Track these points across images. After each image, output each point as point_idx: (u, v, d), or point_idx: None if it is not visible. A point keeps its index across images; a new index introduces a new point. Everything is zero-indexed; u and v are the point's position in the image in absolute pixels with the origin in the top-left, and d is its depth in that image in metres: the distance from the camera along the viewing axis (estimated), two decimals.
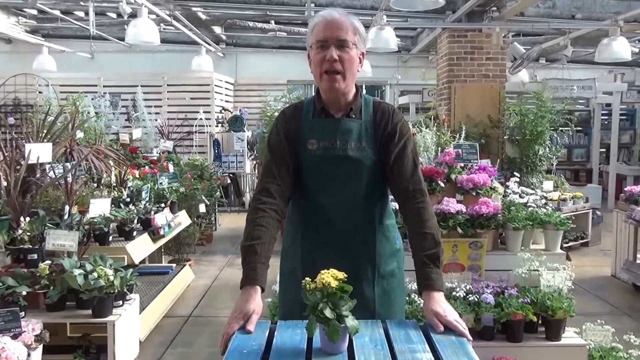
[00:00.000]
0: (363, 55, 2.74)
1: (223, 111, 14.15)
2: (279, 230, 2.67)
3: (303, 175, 2.74)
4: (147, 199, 6.90)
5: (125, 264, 5.24)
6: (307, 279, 2.09)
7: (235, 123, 13.28)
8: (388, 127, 2.73)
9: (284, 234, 2.93)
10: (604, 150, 15.60)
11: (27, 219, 4.96)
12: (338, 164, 2.68)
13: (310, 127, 2.74)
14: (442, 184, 5.11)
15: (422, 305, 4.48)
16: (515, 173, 6.52)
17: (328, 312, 1.99)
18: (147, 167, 9.00)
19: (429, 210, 2.71)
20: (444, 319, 2.32)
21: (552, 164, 10.00)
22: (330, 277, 2.04)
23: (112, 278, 4.55)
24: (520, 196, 5.55)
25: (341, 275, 2.06)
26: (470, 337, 2.27)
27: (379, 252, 2.77)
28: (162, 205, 7.08)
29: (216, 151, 13.11)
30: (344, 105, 2.75)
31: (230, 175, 13.04)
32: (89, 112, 10.20)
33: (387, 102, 2.90)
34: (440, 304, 2.40)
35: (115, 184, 6.93)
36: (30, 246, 4.90)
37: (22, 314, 4.31)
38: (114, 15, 13.07)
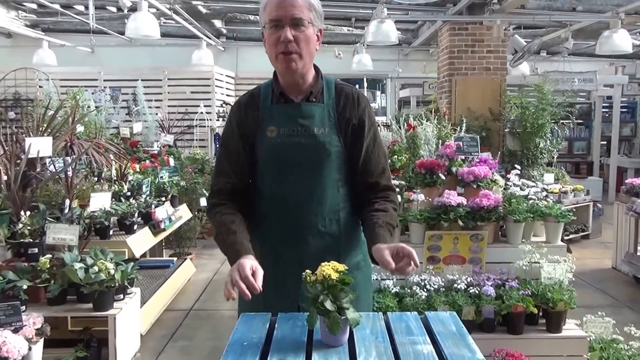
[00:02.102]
0: (321, 32, 2.62)
1: (224, 105, 14.13)
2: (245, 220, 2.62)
3: (262, 164, 2.63)
4: (148, 192, 6.90)
5: (126, 257, 5.25)
6: (308, 271, 2.08)
7: None
8: (353, 114, 2.63)
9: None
10: (605, 142, 15.58)
11: (28, 213, 4.97)
12: (299, 150, 2.56)
13: (269, 113, 2.62)
14: (443, 177, 5.10)
15: (422, 297, 4.51)
16: (516, 165, 6.51)
17: (328, 305, 1.99)
18: (147, 161, 9.00)
19: (395, 202, 2.67)
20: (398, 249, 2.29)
21: (553, 157, 10.00)
22: (331, 269, 2.03)
23: (112, 272, 4.56)
24: (521, 189, 5.54)
25: (342, 267, 2.06)
26: (417, 264, 2.25)
27: (343, 243, 2.64)
28: (163, 199, 7.09)
29: (217, 145, 13.09)
30: (303, 88, 2.63)
31: None
32: (89, 106, 10.19)
33: (350, 86, 2.75)
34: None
35: (115, 178, 6.93)
36: (31, 240, 4.91)
37: (23, 307, 4.32)
38: (114, 9, 13.05)
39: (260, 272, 2.26)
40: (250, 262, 2.28)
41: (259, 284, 2.21)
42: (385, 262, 2.26)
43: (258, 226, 2.66)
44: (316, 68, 2.69)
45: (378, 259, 2.34)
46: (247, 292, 2.18)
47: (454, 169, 5.21)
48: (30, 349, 3.84)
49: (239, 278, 2.21)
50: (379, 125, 2.87)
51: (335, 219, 2.61)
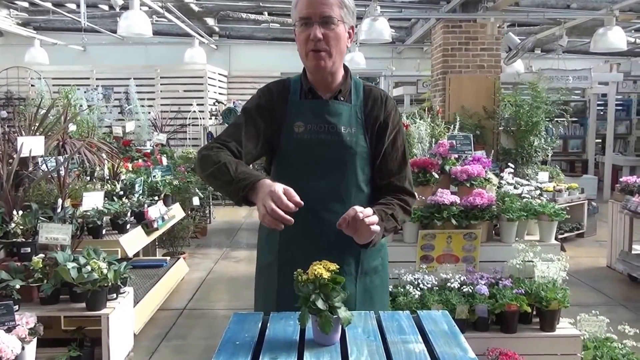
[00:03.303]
0: (353, 29, 2.59)
1: (216, 103, 14.13)
2: None
3: (286, 159, 2.62)
4: (141, 192, 6.89)
5: (119, 257, 5.24)
6: (300, 270, 2.08)
7: (229, 115, 13.20)
8: (380, 116, 2.61)
9: (260, 225, 2.62)
10: (600, 140, 15.58)
11: (20, 212, 4.95)
12: (325, 148, 2.55)
13: (297, 109, 2.61)
14: (436, 175, 5.09)
15: (415, 296, 4.50)
16: (510, 164, 6.50)
17: (320, 304, 1.99)
18: (140, 160, 8.99)
19: (407, 202, 2.63)
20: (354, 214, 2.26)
21: (548, 155, 10.00)
22: (322, 268, 2.03)
23: (105, 271, 4.54)
24: (514, 187, 5.54)
25: (333, 266, 2.05)
26: (370, 223, 2.26)
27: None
28: (156, 198, 7.08)
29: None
30: (332, 86, 2.61)
31: None
32: (81, 105, 10.17)
33: (379, 87, 2.76)
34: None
35: (108, 177, 6.92)
36: (24, 240, 4.90)
37: (16, 307, 4.29)
38: (105, 7, 13.03)
39: (291, 190, 2.20)
40: (280, 185, 2.21)
41: (295, 200, 2.18)
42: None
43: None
44: (345, 67, 2.66)
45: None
46: (288, 217, 2.15)
47: (447, 168, 5.21)
48: (23, 348, 3.83)
49: (275, 204, 2.15)
50: None
51: None
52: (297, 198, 2.18)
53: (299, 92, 2.65)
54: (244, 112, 2.68)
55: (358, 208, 2.27)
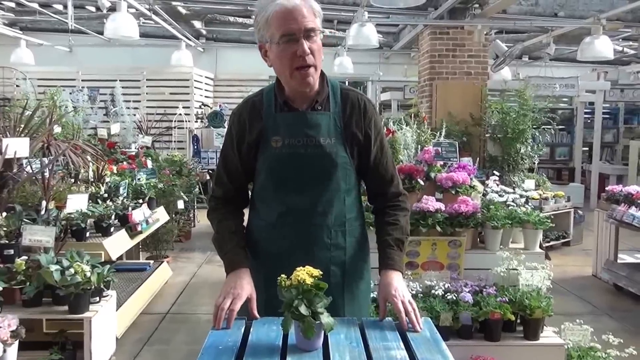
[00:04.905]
0: (324, 36, 2.49)
1: (202, 106, 14.11)
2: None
3: (266, 175, 2.55)
4: (125, 194, 6.85)
5: (102, 260, 5.20)
6: (283, 275, 2.07)
7: (215, 119, 13.19)
8: (361, 125, 2.55)
9: (246, 237, 2.69)
10: (587, 149, 15.64)
11: (4, 214, 4.92)
12: (305, 162, 2.48)
13: (274, 123, 2.51)
14: (422, 182, 5.09)
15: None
16: (495, 171, 6.50)
17: (303, 309, 1.99)
18: (125, 163, 8.97)
19: (406, 208, 2.71)
20: (405, 306, 2.36)
21: (534, 163, 10.02)
22: (305, 274, 2.03)
23: (88, 274, 4.51)
24: (499, 195, 5.54)
25: (316, 272, 2.05)
26: (419, 329, 2.29)
27: (348, 254, 2.60)
28: (140, 201, 7.04)
29: (195, 147, 13.02)
30: (309, 96, 2.52)
31: (210, 171, 12.94)
32: (66, 107, 10.14)
33: (356, 91, 2.66)
34: (395, 286, 2.46)
35: (92, 180, 6.89)
36: (7, 241, 4.87)
37: None
38: (92, 9, 13.01)
39: (253, 300, 2.38)
40: (247, 291, 2.38)
41: (253, 310, 2.35)
42: (401, 321, 2.34)
43: (262, 236, 2.63)
44: (322, 73, 2.57)
45: (379, 299, 2.49)
46: (220, 324, 2.27)
47: (432, 175, 5.21)
48: (4, 351, 3.80)
49: (226, 307, 2.30)
50: None
51: (341, 230, 2.57)
52: (255, 312, 2.35)
53: (274, 104, 2.56)
54: (221, 152, 2.72)
55: (409, 308, 2.37)
